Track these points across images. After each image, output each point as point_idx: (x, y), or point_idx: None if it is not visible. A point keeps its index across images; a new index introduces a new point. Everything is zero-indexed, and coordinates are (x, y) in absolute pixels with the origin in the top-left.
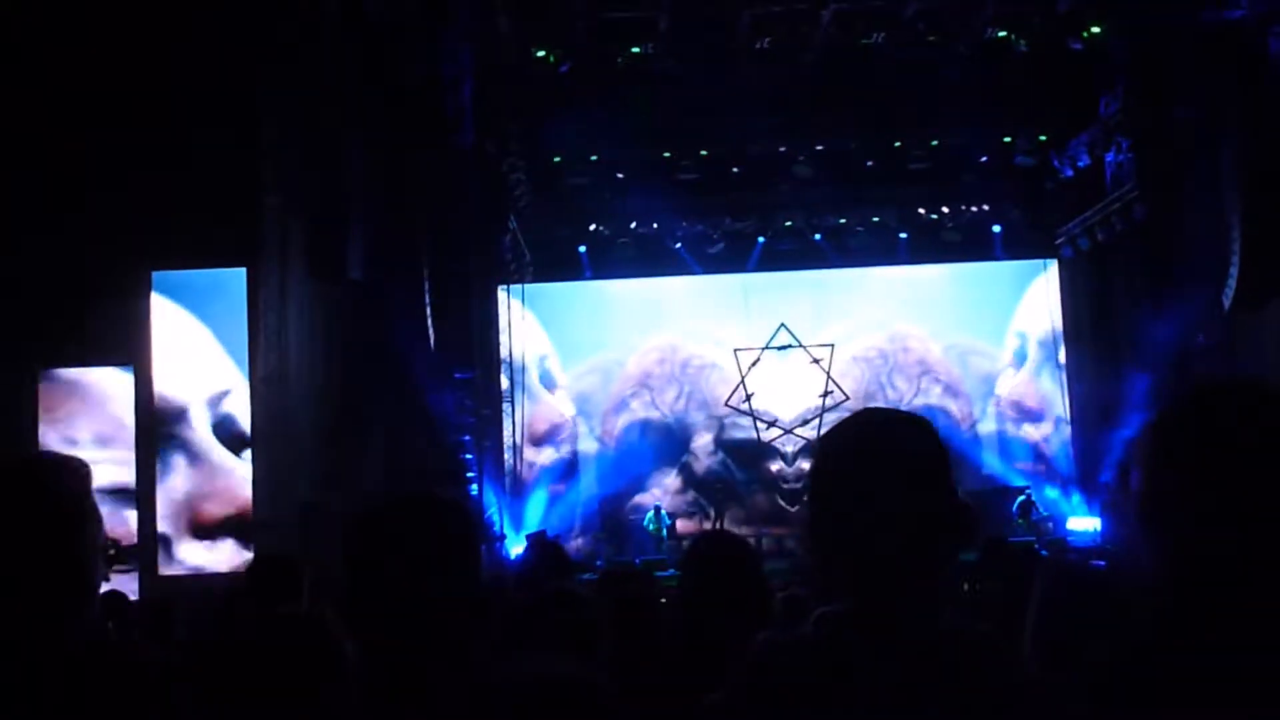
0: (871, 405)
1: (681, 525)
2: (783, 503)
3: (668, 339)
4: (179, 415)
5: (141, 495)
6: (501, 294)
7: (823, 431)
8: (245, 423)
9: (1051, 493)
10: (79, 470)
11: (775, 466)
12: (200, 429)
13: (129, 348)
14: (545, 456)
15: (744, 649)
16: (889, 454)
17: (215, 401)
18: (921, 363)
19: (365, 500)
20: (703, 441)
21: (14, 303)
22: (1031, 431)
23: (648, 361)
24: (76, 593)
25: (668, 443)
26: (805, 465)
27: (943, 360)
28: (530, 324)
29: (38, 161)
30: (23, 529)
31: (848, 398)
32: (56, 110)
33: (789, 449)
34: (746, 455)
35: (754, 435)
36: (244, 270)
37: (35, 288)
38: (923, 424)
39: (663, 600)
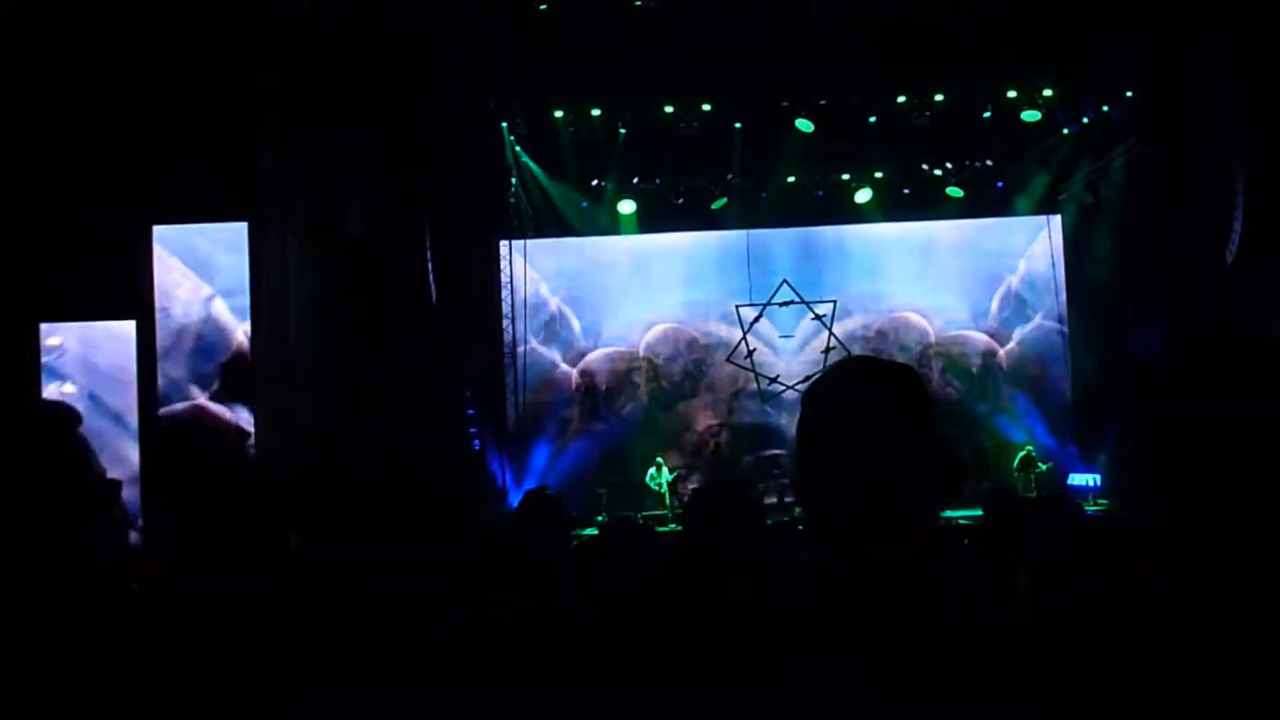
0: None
1: (684, 480)
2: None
3: (673, 314)
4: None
5: (145, 450)
6: (504, 248)
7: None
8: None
9: (1053, 447)
10: (58, 415)
11: (781, 454)
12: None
13: (131, 301)
14: (549, 418)
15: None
16: (866, 405)
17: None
18: (922, 339)
19: (365, 453)
20: (708, 422)
21: (14, 258)
22: (1033, 393)
23: (652, 337)
24: (62, 533)
25: (671, 421)
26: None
27: (943, 334)
28: (534, 283)
29: (37, 119)
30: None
31: (850, 354)
32: (56, 69)
33: (792, 431)
34: (751, 439)
35: (760, 419)
36: (245, 225)
37: (36, 243)
38: (903, 370)
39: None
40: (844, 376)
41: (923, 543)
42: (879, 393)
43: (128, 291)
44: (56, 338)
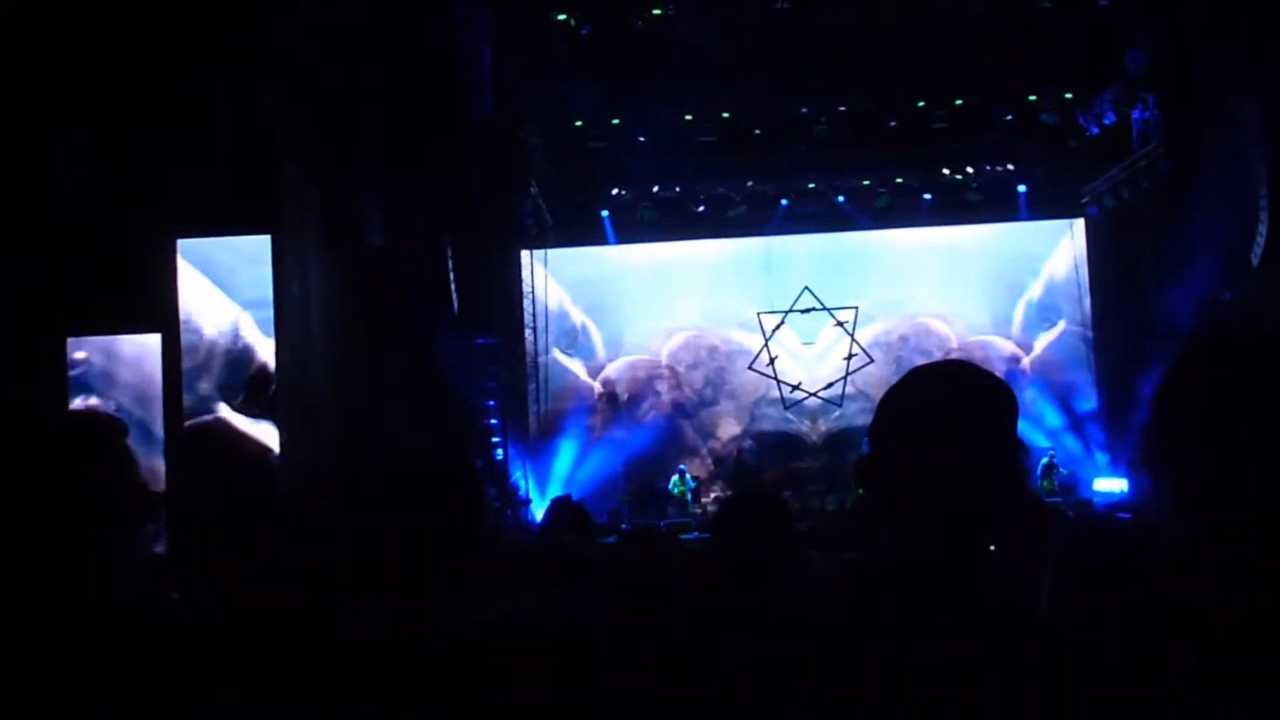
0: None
1: (706, 488)
2: (808, 500)
3: (695, 322)
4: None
5: (170, 459)
6: (525, 257)
7: (848, 389)
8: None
9: (1077, 453)
10: (108, 425)
11: (803, 462)
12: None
13: (156, 315)
14: (571, 427)
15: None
16: (961, 408)
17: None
18: (943, 345)
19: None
20: (730, 430)
21: (38, 272)
22: (1058, 399)
23: (674, 345)
24: (117, 544)
25: (694, 429)
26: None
27: (966, 340)
28: (555, 292)
29: (58, 133)
30: (58, 489)
31: (871, 360)
32: (76, 81)
33: (814, 438)
34: (774, 446)
35: (782, 427)
36: (268, 238)
37: (59, 257)
38: (995, 381)
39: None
40: (934, 379)
41: (981, 543)
42: (967, 398)
43: (152, 305)
44: (81, 352)
